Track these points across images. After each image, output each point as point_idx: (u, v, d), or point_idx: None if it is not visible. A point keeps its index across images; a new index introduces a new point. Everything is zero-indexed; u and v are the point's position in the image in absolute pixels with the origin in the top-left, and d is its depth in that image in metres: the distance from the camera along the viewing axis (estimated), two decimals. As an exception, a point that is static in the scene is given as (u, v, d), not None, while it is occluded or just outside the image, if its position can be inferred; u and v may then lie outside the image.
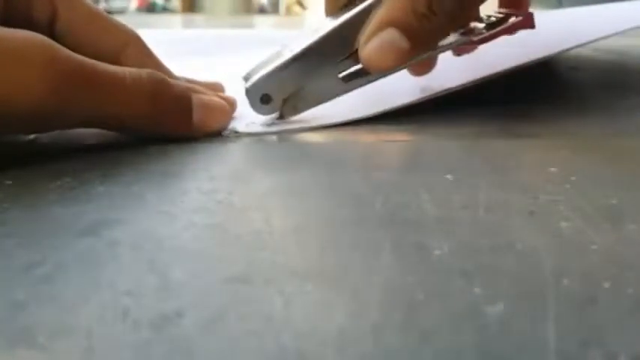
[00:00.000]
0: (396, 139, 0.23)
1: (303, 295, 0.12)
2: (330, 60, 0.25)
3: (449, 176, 0.19)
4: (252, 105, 0.25)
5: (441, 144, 0.22)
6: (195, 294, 0.12)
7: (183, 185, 0.18)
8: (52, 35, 0.23)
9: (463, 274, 0.13)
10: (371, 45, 0.24)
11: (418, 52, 0.24)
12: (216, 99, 0.25)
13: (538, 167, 0.19)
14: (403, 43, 0.23)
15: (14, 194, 0.17)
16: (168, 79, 0.22)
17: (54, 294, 0.12)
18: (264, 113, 0.25)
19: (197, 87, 0.25)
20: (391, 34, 0.23)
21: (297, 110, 0.26)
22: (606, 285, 0.12)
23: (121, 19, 0.26)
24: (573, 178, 0.18)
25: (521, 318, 0.11)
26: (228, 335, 0.11)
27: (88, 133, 0.22)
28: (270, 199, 0.17)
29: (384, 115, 0.26)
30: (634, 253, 0.14)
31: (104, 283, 0.13)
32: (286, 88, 0.25)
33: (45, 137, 0.23)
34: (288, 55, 0.25)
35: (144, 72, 0.21)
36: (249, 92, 0.25)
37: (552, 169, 0.19)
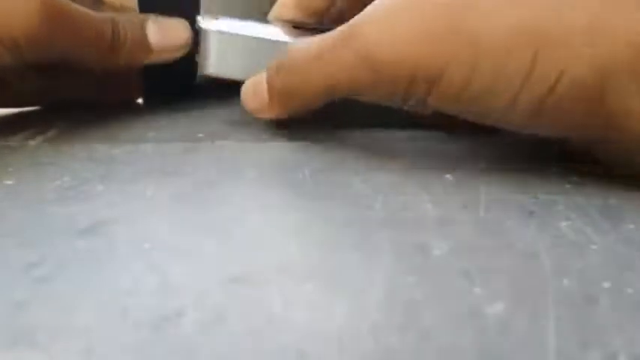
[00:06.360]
0: (396, 139, 0.23)
1: (303, 295, 0.12)
2: None
3: (449, 176, 0.19)
4: None
5: (440, 144, 0.22)
6: (195, 294, 0.12)
7: (182, 184, 0.18)
8: None
9: (463, 274, 0.13)
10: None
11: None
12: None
13: (538, 167, 0.19)
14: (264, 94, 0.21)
15: (14, 194, 0.17)
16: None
17: (54, 294, 0.12)
18: None
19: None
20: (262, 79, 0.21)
21: None
22: (606, 285, 0.12)
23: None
24: (573, 178, 0.18)
25: (521, 318, 0.11)
26: (228, 335, 0.11)
27: (88, 133, 0.22)
28: (270, 199, 0.17)
29: (383, 114, 0.26)
30: (634, 253, 0.14)
31: (104, 282, 0.13)
32: None
33: (44, 138, 0.23)
34: None
35: None
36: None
37: (552, 169, 0.19)
